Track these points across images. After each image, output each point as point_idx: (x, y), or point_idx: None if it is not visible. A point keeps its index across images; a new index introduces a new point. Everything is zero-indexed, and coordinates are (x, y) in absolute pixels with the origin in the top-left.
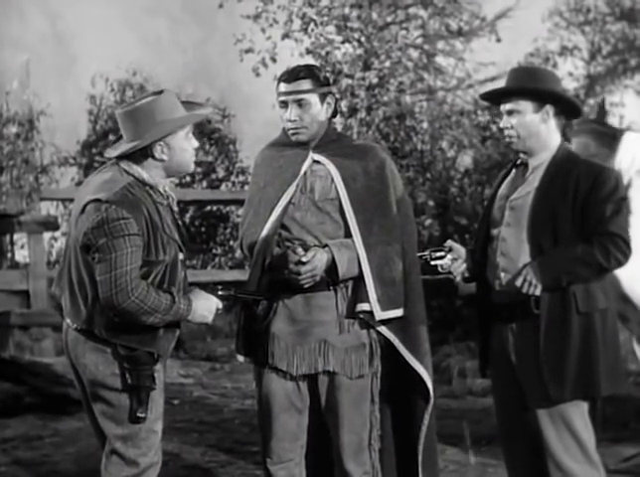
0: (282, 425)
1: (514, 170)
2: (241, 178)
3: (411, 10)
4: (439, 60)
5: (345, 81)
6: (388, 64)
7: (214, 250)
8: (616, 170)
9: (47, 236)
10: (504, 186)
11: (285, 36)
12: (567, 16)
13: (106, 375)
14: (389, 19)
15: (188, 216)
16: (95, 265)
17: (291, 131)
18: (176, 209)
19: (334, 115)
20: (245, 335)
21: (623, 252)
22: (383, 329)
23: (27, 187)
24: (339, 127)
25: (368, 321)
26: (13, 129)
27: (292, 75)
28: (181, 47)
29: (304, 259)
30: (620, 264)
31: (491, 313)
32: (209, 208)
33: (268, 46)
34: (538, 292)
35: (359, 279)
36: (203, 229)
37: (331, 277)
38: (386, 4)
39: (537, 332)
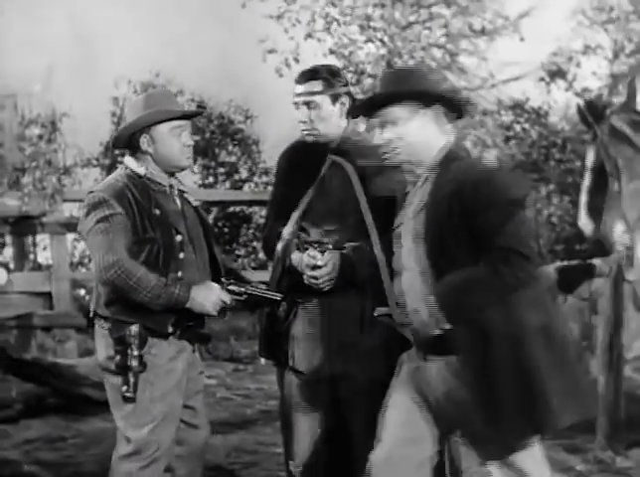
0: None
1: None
2: (265, 178)
3: (434, 9)
4: (462, 59)
5: (368, 81)
6: (411, 63)
7: (237, 251)
8: (502, 169)
9: (70, 237)
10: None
11: (308, 36)
12: (591, 15)
13: (105, 358)
14: (411, 18)
15: (211, 217)
16: (89, 248)
17: (304, 133)
18: (191, 200)
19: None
20: (267, 337)
21: (521, 267)
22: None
23: (50, 188)
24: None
25: (387, 323)
26: (36, 131)
27: (304, 77)
28: (203, 48)
29: (320, 263)
30: (523, 282)
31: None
32: (232, 208)
33: (291, 46)
34: (447, 326)
35: (378, 281)
36: (226, 230)
37: (349, 280)
38: (408, 3)
39: (455, 372)
